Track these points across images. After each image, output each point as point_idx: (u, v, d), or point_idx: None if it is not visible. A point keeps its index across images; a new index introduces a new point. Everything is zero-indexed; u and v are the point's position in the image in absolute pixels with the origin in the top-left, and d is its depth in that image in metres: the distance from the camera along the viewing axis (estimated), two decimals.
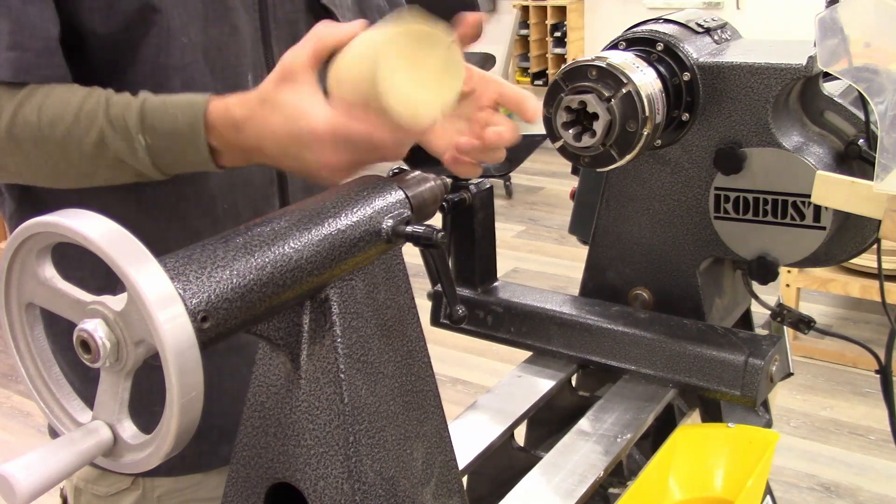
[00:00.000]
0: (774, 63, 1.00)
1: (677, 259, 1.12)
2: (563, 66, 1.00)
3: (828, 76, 1.03)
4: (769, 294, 1.18)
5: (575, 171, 1.24)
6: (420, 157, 0.90)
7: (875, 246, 1.06)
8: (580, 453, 0.94)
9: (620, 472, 1.05)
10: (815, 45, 0.95)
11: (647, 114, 0.96)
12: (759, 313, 1.22)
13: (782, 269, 1.87)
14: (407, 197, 0.74)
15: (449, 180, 0.81)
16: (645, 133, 0.96)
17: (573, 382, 1.17)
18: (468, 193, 1.09)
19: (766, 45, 1.07)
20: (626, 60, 0.97)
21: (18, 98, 0.85)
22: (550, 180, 4.89)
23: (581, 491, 0.88)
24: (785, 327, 1.17)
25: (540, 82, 5.98)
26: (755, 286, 1.17)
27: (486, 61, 5.22)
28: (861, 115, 1.02)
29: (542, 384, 1.09)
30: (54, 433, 1.08)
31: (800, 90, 1.04)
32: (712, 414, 1.11)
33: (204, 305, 0.56)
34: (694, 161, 1.07)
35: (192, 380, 0.53)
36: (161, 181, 0.89)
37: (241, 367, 1.03)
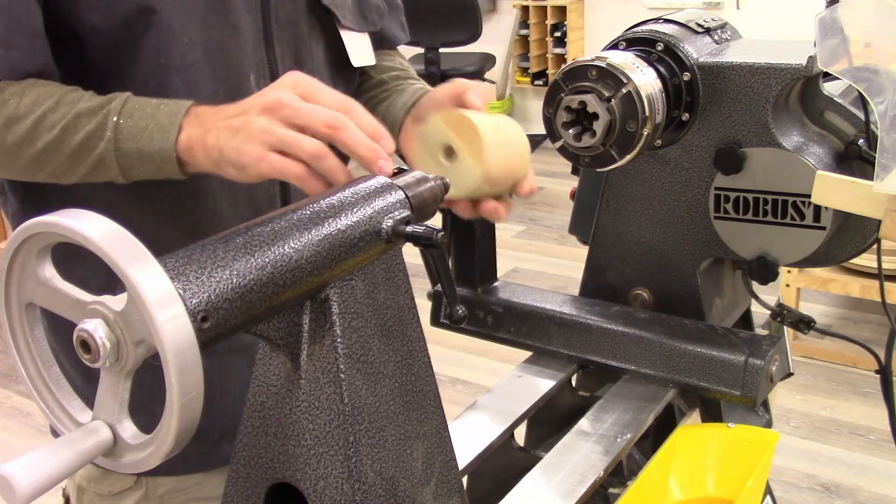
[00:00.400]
0: (774, 63, 1.00)
1: (677, 259, 1.12)
2: (563, 66, 1.00)
3: (828, 76, 1.03)
4: (769, 294, 1.18)
5: (575, 171, 1.24)
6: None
7: (875, 246, 1.06)
8: (580, 453, 0.94)
9: (620, 472, 1.05)
10: (815, 45, 0.95)
11: (647, 114, 0.96)
12: (759, 313, 1.22)
13: (782, 269, 1.87)
14: (407, 197, 0.74)
15: (449, 180, 0.81)
16: (645, 133, 0.96)
17: (573, 382, 1.17)
18: None
19: (766, 45, 1.07)
20: (626, 60, 0.97)
21: None
22: (550, 180, 4.89)
23: (581, 491, 0.88)
24: (785, 327, 1.17)
25: (540, 82, 5.98)
26: (755, 286, 1.17)
27: (486, 61, 5.22)
28: (861, 115, 1.02)
29: (542, 384, 1.09)
30: (56, 433, 1.08)
31: (800, 90, 1.04)
32: (712, 414, 1.11)
33: (204, 305, 0.56)
34: (694, 161, 1.07)
35: (192, 380, 0.53)
36: (160, 179, 0.89)
37: (244, 367, 1.03)
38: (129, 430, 0.57)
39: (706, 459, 0.97)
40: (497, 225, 1.18)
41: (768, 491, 1.04)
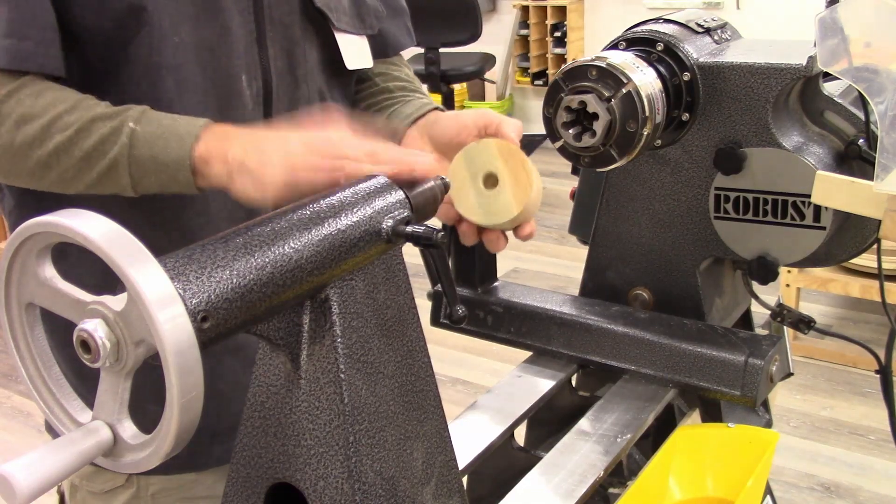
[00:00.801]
0: (774, 63, 1.00)
1: (677, 259, 1.12)
2: (563, 66, 1.00)
3: (828, 76, 1.03)
4: (769, 294, 1.18)
5: (575, 171, 1.24)
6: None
7: (875, 246, 1.06)
8: (580, 453, 0.94)
9: (620, 472, 1.05)
10: (815, 45, 0.95)
11: (647, 114, 0.96)
12: (759, 313, 1.22)
13: (782, 269, 1.87)
14: (407, 197, 0.74)
15: (449, 181, 0.81)
16: (645, 133, 0.96)
17: (573, 382, 1.17)
18: None
19: (766, 45, 1.07)
20: (626, 60, 0.97)
21: (3, 93, 0.85)
22: (550, 180, 4.88)
23: (581, 491, 0.88)
24: (785, 327, 1.17)
25: (540, 82, 5.98)
26: (755, 286, 1.17)
27: (486, 61, 5.22)
28: (861, 115, 1.02)
29: (542, 384, 1.09)
30: (52, 430, 1.08)
31: (800, 90, 1.04)
32: (712, 414, 1.11)
33: (204, 305, 0.56)
34: (694, 161, 1.07)
35: (192, 380, 0.53)
36: None
37: (237, 368, 1.03)
38: (129, 430, 0.57)
39: (706, 459, 0.97)
40: None
41: (768, 491, 1.04)
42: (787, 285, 3.10)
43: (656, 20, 1.08)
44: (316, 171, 0.78)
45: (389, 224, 0.70)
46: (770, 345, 1.02)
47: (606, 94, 0.95)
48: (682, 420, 1.09)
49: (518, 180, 0.91)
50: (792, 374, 1.12)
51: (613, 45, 1.06)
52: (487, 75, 5.43)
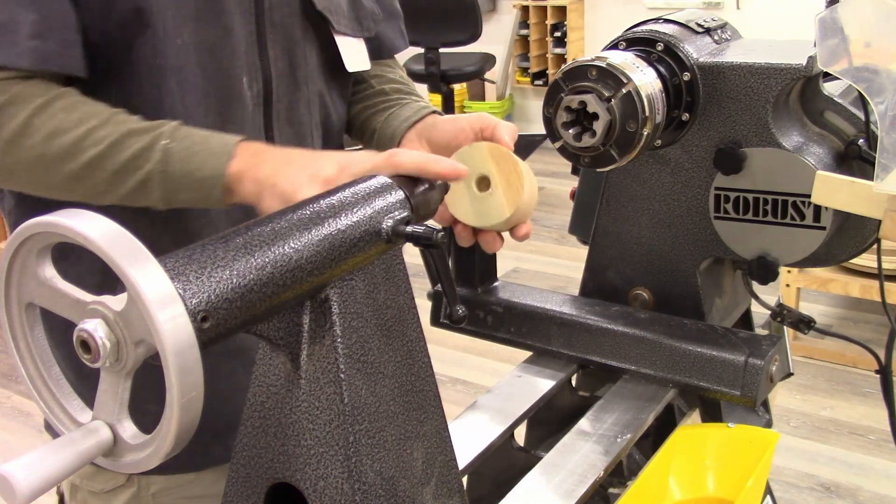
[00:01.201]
0: (774, 63, 1.00)
1: (677, 259, 1.12)
2: (563, 66, 1.00)
3: (828, 76, 1.03)
4: (769, 294, 1.18)
5: (575, 171, 1.24)
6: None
7: (875, 246, 1.06)
8: (580, 453, 0.94)
9: (620, 472, 1.05)
10: (815, 45, 0.95)
11: (647, 114, 0.96)
12: (759, 313, 1.22)
13: (782, 269, 1.87)
14: (407, 197, 0.74)
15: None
16: (645, 133, 0.96)
17: (573, 382, 1.17)
18: None
19: (766, 45, 1.07)
20: (626, 60, 0.97)
21: (37, 104, 0.85)
22: (550, 180, 4.89)
23: (581, 491, 0.88)
24: (785, 327, 1.17)
25: (540, 82, 5.98)
26: (755, 286, 1.17)
27: (486, 61, 5.21)
28: (861, 115, 1.02)
29: (542, 384, 1.09)
30: (51, 430, 1.09)
31: (800, 90, 1.04)
32: (712, 414, 1.11)
33: (204, 305, 0.56)
34: (694, 161, 1.07)
35: (192, 380, 0.53)
36: None
37: (238, 369, 1.03)
38: (129, 430, 0.57)
39: (706, 459, 0.97)
40: None
41: (768, 491, 1.04)
42: (787, 285, 3.10)
43: (656, 20, 1.08)
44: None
45: (389, 224, 0.70)
46: (770, 345, 1.02)
47: (606, 94, 0.95)
48: (682, 420, 1.09)
49: (510, 182, 0.92)
50: (792, 374, 1.12)
51: (613, 45, 1.06)
52: (487, 75, 5.43)
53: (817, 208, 1.00)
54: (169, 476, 1.08)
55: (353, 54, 1.10)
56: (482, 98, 6.20)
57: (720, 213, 1.06)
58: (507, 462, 1.03)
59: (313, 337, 0.67)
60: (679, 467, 0.96)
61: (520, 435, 1.07)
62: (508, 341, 1.17)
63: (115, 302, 0.54)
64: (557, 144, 1.00)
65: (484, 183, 0.93)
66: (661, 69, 1.01)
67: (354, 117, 1.20)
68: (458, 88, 5.83)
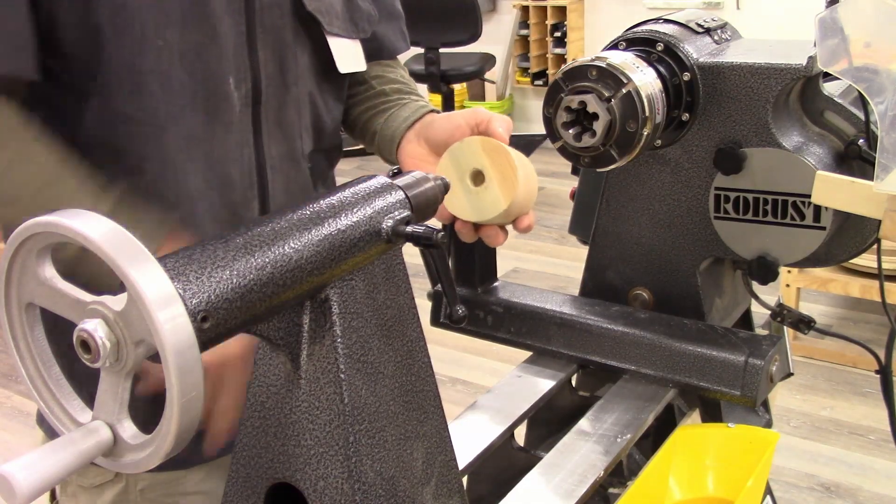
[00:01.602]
0: (774, 63, 1.00)
1: (677, 259, 1.12)
2: (563, 66, 1.00)
3: (828, 76, 1.03)
4: (769, 294, 1.18)
5: (575, 171, 1.24)
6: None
7: (875, 246, 1.06)
8: (580, 453, 0.94)
9: (620, 472, 1.05)
10: (815, 45, 0.95)
11: (647, 114, 0.96)
12: (759, 313, 1.22)
13: (782, 269, 1.87)
14: (407, 197, 0.74)
15: (449, 181, 0.81)
16: (645, 133, 0.96)
17: (573, 382, 1.17)
18: None
19: (766, 45, 1.07)
20: (626, 60, 0.97)
21: None
22: (550, 180, 4.89)
23: (581, 491, 0.88)
24: (785, 327, 1.17)
25: (540, 82, 5.98)
26: (755, 286, 1.17)
27: (486, 61, 5.22)
28: (861, 115, 1.02)
29: (542, 384, 1.09)
30: (44, 423, 1.09)
31: (800, 90, 1.04)
32: (712, 414, 1.11)
33: (204, 305, 0.56)
34: (694, 161, 1.07)
35: (192, 380, 0.53)
36: (138, 181, 0.91)
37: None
38: (129, 430, 0.57)
39: (706, 459, 0.97)
40: None
41: (768, 491, 1.04)
42: (787, 285, 3.10)
43: (656, 20, 1.08)
44: None
45: (389, 224, 0.70)
46: (770, 345, 1.02)
47: (606, 94, 0.95)
48: (682, 420, 1.09)
49: (505, 175, 0.92)
50: (792, 374, 1.12)
51: (613, 45, 1.06)
52: (487, 75, 5.44)
53: (817, 208, 1.00)
54: (157, 473, 1.08)
55: (347, 55, 1.09)
56: (482, 98, 6.21)
57: (720, 213, 1.06)
58: (507, 462, 1.03)
59: (313, 337, 0.67)
60: (679, 467, 0.96)
61: (520, 435, 1.07)
62: (508, 341, 1.17)
63: (115, 302, 0.54)
64: (557, 144, 1.00)
65: (479, 177, 0.94)
66: (661, 69, 1.01)
67: (356, 119, 1.20)
68: (458, 88, 5.83)
